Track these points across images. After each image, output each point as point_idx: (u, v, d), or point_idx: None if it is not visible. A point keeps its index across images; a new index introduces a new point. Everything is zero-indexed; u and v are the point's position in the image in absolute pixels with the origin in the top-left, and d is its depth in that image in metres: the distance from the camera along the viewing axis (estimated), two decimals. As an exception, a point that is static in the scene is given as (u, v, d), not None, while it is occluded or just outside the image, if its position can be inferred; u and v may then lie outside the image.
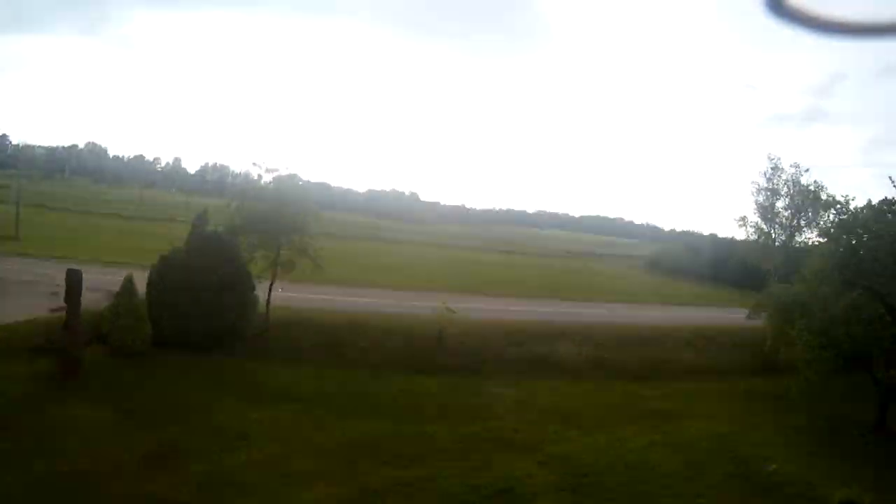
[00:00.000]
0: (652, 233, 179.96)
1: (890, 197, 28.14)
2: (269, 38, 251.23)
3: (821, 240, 37.07)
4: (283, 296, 30.96)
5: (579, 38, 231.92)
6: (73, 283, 23.62)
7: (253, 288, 27.92)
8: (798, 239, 61.96)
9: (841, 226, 29.53)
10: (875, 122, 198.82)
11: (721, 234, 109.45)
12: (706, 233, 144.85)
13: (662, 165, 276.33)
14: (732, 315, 48.40)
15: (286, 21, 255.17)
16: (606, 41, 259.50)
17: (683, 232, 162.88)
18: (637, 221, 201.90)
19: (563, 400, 26.50)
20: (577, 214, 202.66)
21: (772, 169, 61.53)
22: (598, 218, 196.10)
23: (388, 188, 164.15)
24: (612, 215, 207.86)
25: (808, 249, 60.00)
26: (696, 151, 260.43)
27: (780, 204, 62.00)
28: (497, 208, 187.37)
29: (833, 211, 32.60)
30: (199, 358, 25.02)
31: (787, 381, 28.17)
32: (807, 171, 60.22)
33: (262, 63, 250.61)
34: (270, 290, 29.36)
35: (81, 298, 23.87)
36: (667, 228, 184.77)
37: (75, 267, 24.86)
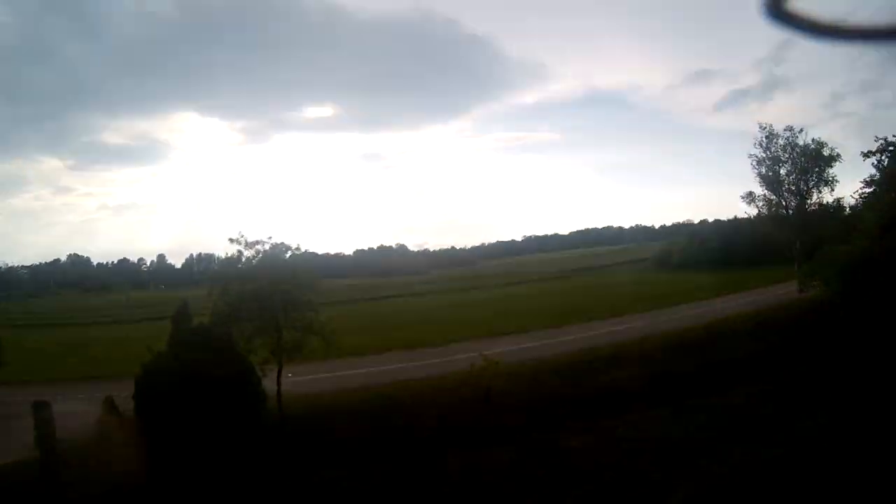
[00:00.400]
0: (644, 234, 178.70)
1: None
2: (233, 129, 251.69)
3: (867, 190, 33.38)
4: (293, 381, 26.51)
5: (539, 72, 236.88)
6: (43, 420, 19.46)
7: (258, 382, 23.25)
8: (811, 201, 59.84)
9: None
10: (831, 77, 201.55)
11: (713, 220, 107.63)
12: (696, 221, 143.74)
13: (635, 166, 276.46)
14: (766, 295, 45.56)
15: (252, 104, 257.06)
16: (562, 57, 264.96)
17: (674, 225, 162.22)
18: (626, 226, 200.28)
19: (655, 433, 22.10)
20: (565, 232, 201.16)
21: (766, 137, 59.95)
22: (586, 231, 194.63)
23: (374, 245, 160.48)
24: (599, 225, 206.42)
25: (827, 209, 57.63)
26: (666, 145, 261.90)
27: (783, 171, 60.41)
28: (486, 243, 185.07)
29: (882, 155, 29.31)
30: (210, 483, 19.46)
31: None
32: (801, 131, 58.86)
33: (229, 147, 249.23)
34: (279, 380, 24.75)
35: (68, 429, 19.84)
36: (657, 226, 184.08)
37: (54, 392, 21.32)
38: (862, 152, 32.99)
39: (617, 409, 24.84)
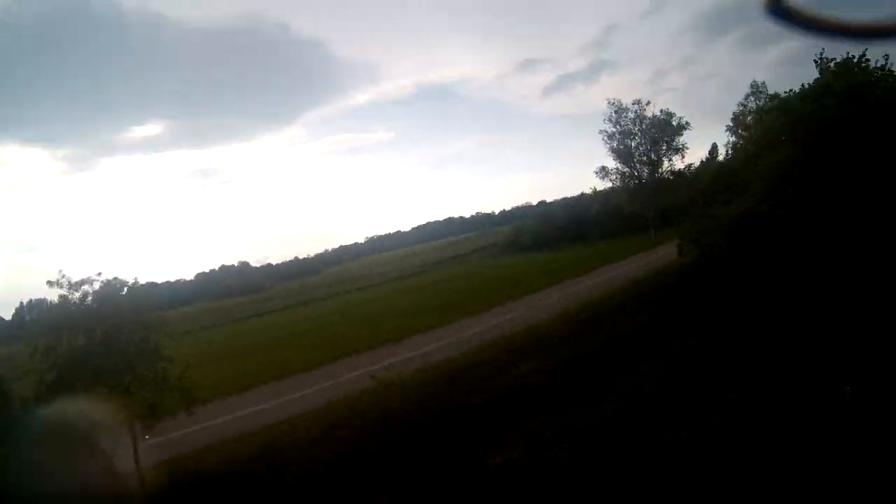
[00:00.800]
0: (486, 221, 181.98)
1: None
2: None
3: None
4: (153, 444, 21.13)
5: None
6: None
7: (110, 464, 18.23)
8: (662, 169, 62.72)
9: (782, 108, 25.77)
10: (654, 56, 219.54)
11: (553, 199, 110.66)
12: (535, 203, 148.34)
13: (471, 156, 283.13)
14: (632, 265, 45.82)
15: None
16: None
17: (514, 209, 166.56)
18: (466, 216, 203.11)
19: (582, 428, 19.59)
20: (407, 229, 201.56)
21: (616, 112, 62.90)
22: (427, 225, 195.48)
23: (216, 266, 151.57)
24: (440, 218, 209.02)
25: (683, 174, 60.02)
26: (499, 133, 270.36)
27: (634, 143, 63.10)
28: (329, 249, 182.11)
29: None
30: None
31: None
32: (648, 103, 62.09)
33: (52, 178, 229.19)
34: (136, 451, 19.79)
35: None
36: (497, 212, 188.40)
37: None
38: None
39: (533, 407, 22.34)
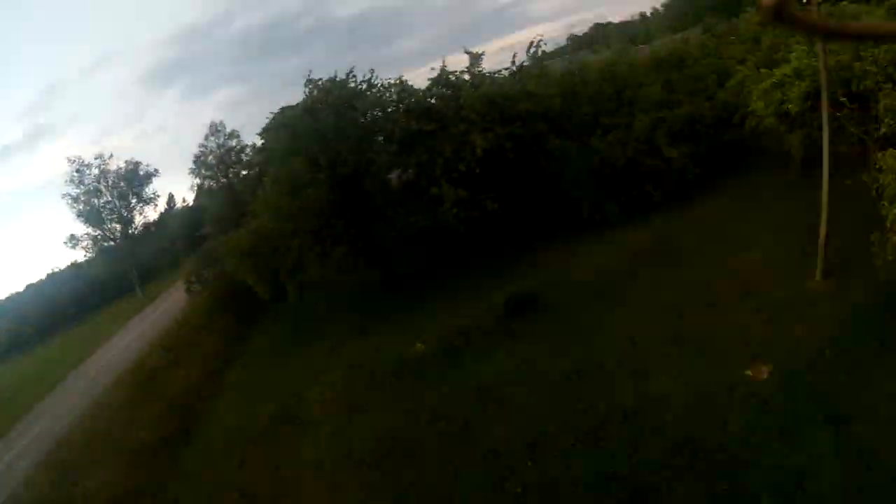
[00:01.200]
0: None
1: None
2: None
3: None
4: None
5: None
6: None
7: None
8: (136, 223, 60.72)
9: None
10: (98, 115, 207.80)
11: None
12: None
13: None
14: (135, 330, 43.83)
15: None
16: None
17: None
18: None
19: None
20: None
21: (77, 171, 58.53)
22: None
23: None
24: None
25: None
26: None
27: (102, 201, 59.59)
28: None
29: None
30: None
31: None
32: (110, 157, 59.48)
33: None
34: None
35: None
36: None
37: None
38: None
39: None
